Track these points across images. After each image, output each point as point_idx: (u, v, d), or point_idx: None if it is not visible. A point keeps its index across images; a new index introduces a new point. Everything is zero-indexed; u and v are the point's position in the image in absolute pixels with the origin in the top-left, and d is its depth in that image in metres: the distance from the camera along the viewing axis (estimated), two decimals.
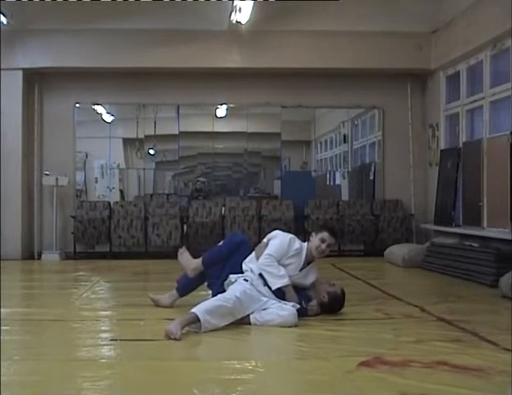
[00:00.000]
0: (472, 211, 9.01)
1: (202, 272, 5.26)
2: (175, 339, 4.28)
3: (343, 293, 5.20)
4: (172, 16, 9.81)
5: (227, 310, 4.58)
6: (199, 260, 5.27)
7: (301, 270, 5.14)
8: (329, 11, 9.68)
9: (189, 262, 5.31)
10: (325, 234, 5.15)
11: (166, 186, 11.49)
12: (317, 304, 5.08)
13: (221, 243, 5.40)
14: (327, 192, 11.44)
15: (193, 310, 4.51)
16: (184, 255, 5.39)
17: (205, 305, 4.56)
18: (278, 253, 5.02)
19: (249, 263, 5.10)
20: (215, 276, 5.18)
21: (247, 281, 4.91)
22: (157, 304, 5.54)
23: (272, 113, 11.20)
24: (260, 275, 4.96)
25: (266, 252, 5.03)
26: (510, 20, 7.51)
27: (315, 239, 5.16)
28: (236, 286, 4.83)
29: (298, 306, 4.88)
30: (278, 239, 5.13)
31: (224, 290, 4.88)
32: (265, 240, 5.23)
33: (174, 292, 5.53)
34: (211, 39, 10.13)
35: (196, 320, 4.46)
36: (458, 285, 7.30)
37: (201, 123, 11.57)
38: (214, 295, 4.90)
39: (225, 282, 4.99)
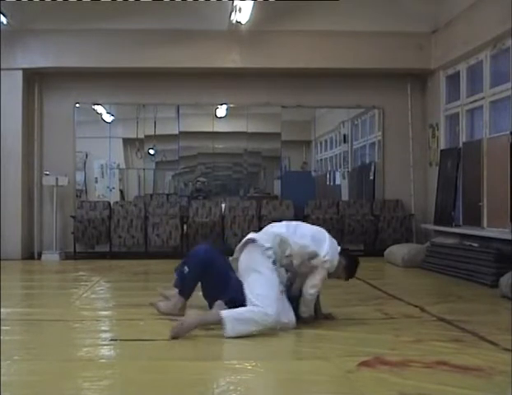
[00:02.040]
0: (472, 211, 9.01)
1: (198, 270, 5.01)
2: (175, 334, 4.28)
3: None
4: (172, 16, 9.81)
5: (256, 326, 4.40)
6: (180, 300, 5.05)
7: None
8: (329, 11, 9.67)
9: (174, 308, 5.06)
10: None
11: (166, 186, 11.49)
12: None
13: (187, 269, 5.02)
14: (327, 192, 11.45)
15: (220, 313, 4.40)
16: (161, 306, 5.17)
17: (235, 313, 4.41)
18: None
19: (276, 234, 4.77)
20: (207, 294, 5.07)
21: (275, 263, 4.65)
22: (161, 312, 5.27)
23: (272, 113, 11.20)
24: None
25: (315, 281, 4.69)
26: (510, 20, 7.51)
27: None
28: (270, 293, 4.49)
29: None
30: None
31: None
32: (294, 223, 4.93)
33: (177, 295, 5.20)
34: (211, 39, 10.13)
35: (219, 323, 4.36)
36: (458, 285, 7.30)
37: (201, 123, 11.59)
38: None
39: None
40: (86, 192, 11.16)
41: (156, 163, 11.25)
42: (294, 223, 4.98)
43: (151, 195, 11.16)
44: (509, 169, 7.72)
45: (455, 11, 9.37)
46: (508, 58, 8.16)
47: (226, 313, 4.37)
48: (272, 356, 4.11)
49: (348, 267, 4.90)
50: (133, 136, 11.23)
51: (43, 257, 10.26)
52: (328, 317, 5.03)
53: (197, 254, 5.07)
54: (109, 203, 10.71)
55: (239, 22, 9.31)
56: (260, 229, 5.09)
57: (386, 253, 9.63)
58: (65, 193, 10.57)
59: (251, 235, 4.79)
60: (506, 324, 4.88)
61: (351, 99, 10.96)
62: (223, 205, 10.79)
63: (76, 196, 10.91)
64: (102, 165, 11.16)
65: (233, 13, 9.10)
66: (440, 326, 4.89)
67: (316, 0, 9.24)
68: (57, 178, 10.27)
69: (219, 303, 4.68)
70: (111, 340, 4.52)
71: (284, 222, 4.98)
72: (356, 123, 11.62)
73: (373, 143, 11.38)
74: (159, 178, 11.36)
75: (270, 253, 4.62)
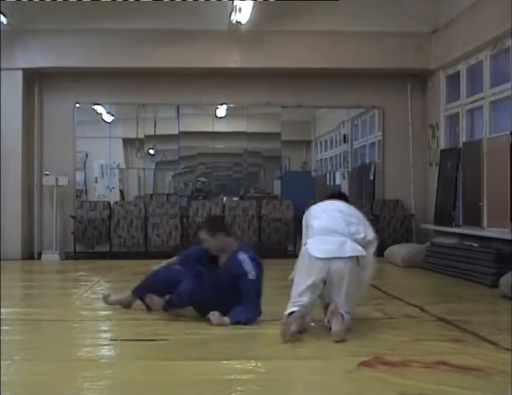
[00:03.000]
0: (472, 211, 9.01)
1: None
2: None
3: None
4: (172, 16, 9.81)
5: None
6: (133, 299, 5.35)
7: None
8: (329, 11, 9.67)
9: (123, 300, 5.43)
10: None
11: (166, 186, 11.49)
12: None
13: (167, 298, 5.08)
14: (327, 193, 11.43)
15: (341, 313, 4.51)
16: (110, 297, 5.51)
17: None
18: None
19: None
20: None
21: None
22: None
23: (272, 113, 11.20)
24: None
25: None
26: (510, 20, 7.51)
27: None
28: None
29: None
30: None
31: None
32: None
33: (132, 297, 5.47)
34: (211, 39, 10.13)
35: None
36: (458, 285, 7.30)
37: (201, 123, 11.59)
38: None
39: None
40: (86, 192, 11.16)
41: (156, 163, 11.25)
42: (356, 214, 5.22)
43: (151, 195, 11.16)
44: (509, 169, 7.72)
45: (455, 11, 9.37)
46: (508, 58, 8.16)
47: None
48: (272, 356, 4.11)
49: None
50: (133, 136, 11.23)
51: (43, 257, 10.26)
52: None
53: (183, 297, 5.01)
54: (109, 203, 10.71)
55: (239, 22, 9.31)
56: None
57: (386, 253, 9.62)
58: (65, 193, 10.56)
59: (354, 249, 4.99)
60: (506, 324, 4.88)
61: (351, 99, 10.96)
62: (225, 198, 10.86)
63: (76, 196, 10.91)
64: (102, 165, 11.17)
65: (233, 13, 9.11)
66: (440, 326, 4.89)
67: (316, 0, 9.24)
68: (57, 178, 10.27)
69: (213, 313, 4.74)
70: (111, 340, 4.53)
71: (351, 217, 5.21)
72: (356, 123, 11.62)
73: (373, 143, 11.38)
74: (159, 178, 11.36)
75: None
